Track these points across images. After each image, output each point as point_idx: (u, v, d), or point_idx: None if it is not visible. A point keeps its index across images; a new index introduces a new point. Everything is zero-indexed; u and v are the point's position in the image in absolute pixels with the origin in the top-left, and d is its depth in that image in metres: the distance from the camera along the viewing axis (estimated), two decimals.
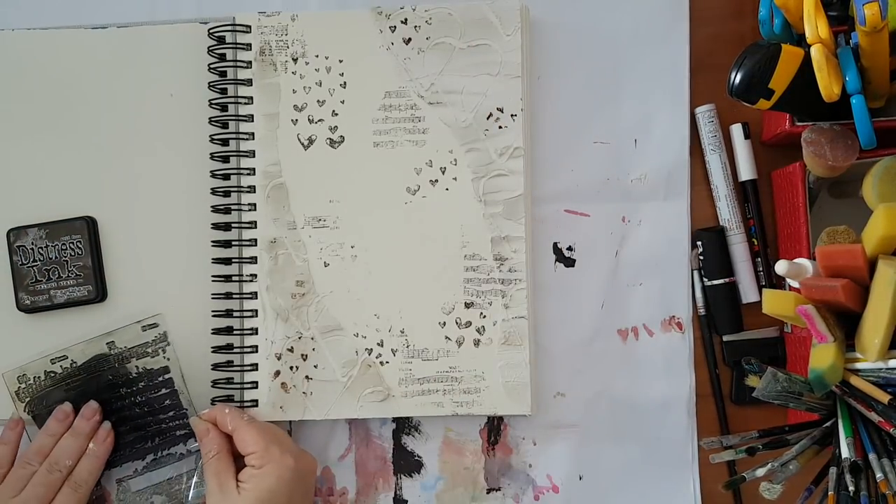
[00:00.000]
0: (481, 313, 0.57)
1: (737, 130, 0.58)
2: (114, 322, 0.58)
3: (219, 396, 0.57)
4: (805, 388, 0.45)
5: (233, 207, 0.58)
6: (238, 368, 0.57)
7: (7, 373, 0.56)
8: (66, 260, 0.58)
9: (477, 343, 0.57)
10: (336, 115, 0.58)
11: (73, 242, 0.58)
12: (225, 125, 0.58)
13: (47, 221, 0.58)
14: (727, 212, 0.58)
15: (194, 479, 0.56)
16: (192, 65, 0.58)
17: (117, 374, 0.57)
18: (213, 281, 0.57)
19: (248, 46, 0.58)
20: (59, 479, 0.53)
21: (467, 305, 0.57)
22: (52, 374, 0.56)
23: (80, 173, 0.59)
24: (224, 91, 0.58)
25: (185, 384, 0.57)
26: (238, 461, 0.53)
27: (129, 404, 0.57)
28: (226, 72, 0.58)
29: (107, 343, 0.57)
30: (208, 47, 0.58)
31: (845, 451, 0.43)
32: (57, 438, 0.54)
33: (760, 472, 0.45)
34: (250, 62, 0.58)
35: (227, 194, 0.58)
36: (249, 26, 0.58)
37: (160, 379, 0.57)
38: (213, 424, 0.54)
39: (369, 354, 0.57)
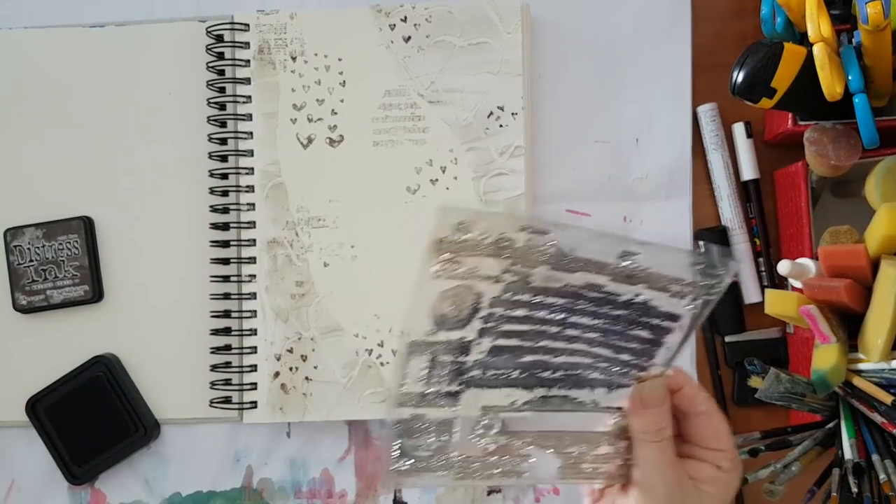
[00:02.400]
0: None
1: (739, 129, 0.57)
2: (110, 322, 0.57)
3: (217, 398, 0.57)
4: (808, 388, 0.45)
5: (231, 207, 0.57)
6: (237, 369, 0.57)
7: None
8: (62, 260, 0.57)
9: None
10: (335, 113, 0.57)
11: (69, 242, 0.57)
12: (223, 124, 0.58)
13: (44, 221, 0.58)
14: (729, 211, 0.57)
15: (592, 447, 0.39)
16: (190, 63, 0.58)
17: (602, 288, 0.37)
18: (212, 281, 0.57)
19: (247, 45, 0.58)
20: None
21: None
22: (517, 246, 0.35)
23: (77, 173, 0.59)
24: (222, 90, 0.58)
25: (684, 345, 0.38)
26: None
27: (570, 323, 0.37)
28: (224, 70, 0.58)
29: (624, 254, 0.36)
30: (207, 45, 0.58)
31: (848, 453, 0.43)
32: None
33: (763, 473, 0.45)
34: (249, 60, 0.58)
35: (225, 194, 0.57)
36: (248, 24, 0.58)
37: (658, 322, 0.37)
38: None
39: (369, 355, 0.57)
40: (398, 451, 0.37)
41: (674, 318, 0.38)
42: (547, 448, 0.38)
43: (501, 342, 0.37)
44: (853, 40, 0.46)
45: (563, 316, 0.37)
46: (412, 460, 0.37)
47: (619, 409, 0.39)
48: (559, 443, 0.39)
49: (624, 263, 0.36)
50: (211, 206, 0.57)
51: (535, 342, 0.38)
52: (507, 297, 0.37)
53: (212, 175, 0.58)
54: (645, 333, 0.38)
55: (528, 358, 0.38)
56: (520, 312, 0.37)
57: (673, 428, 0.38)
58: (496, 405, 0.38)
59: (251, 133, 0.57)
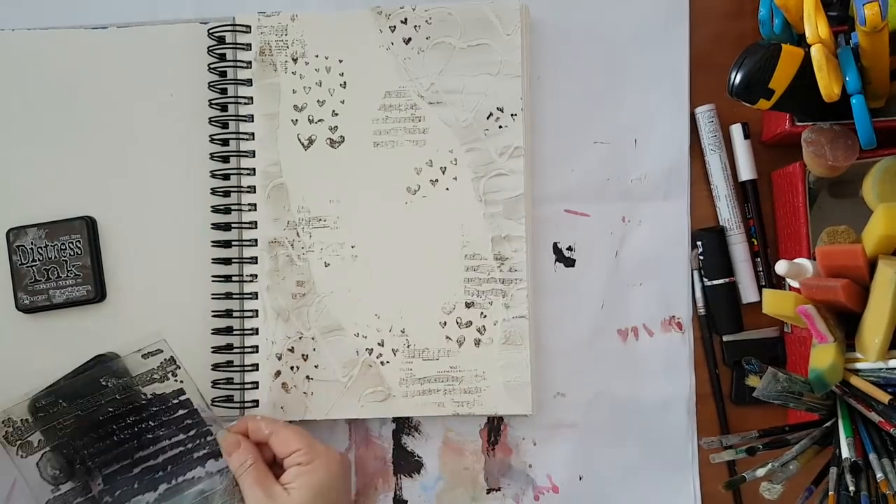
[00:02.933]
0: (482, 313, 0.57)
1: (737, 130, 0.58)
2: (112, 322, 0.58)
3: (219, 397, 0.57)
4: (805, 388, 0.45)
5: (233, 207, 0.58)
6: (238, 369, 0.57)
7: None
8: (65, 260, 0.58)
9: (477, 343, 0.57)
10: (336, 115, 0.58)
11: (72, 242, 0.58)
12: (225, 125, 0.58)
13: (47, 221, 0.58)
14: (727, 212, 0.58)
15: (222, 500, 0.54)
16: (192, 65, 0.58)
17: (122, 403, 0.54)
18: (213, 281, 0.57)
19: (248, 46, 0.58)
20: None
21: (468, 305, 0.57)
22: (41, 415, 0.53)
23: (79, 173, 0.59)
24: (224, 91, 0.58)
25: (205, 401, 0.55)
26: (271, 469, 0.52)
27: (137, 432, 0.54)
28: (226, 72, 0.58)
29: (102, 379, 0.54)
30: (208, 47, 0.58)
31: (845, 451, 0.43)
32: None
33: (760, 472, 0.45)
34: (250, 62, 0.58)
35: (227, 194, 0.58)
36: (249, 26, 0.58)
37: (176, 401, 0.54)
38: (242, 436, 0.53)
39: (370, 354, 0.57)
40: None
41: (180, 392, 0.54)
42: None
43: (108, 470, 0.53)
44: (851, 41, 0.46)
45: (129, 432, 0.54)
46: None
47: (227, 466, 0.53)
48: None
49: (113, 381, 0.53)
50: (212, 207, 0.58)
51: (130, 458, 0.54)
52: (79, 443, 0.53)
53: (213, 176, 0.58)
54: (182, 411, 0.54)
55: (136, 469, 0.54)
56: (98, 446, 0.53)
57: (267, 456, 0.52)
58: None
59: (252, 134, 0.58)
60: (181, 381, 0.55)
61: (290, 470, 0.50)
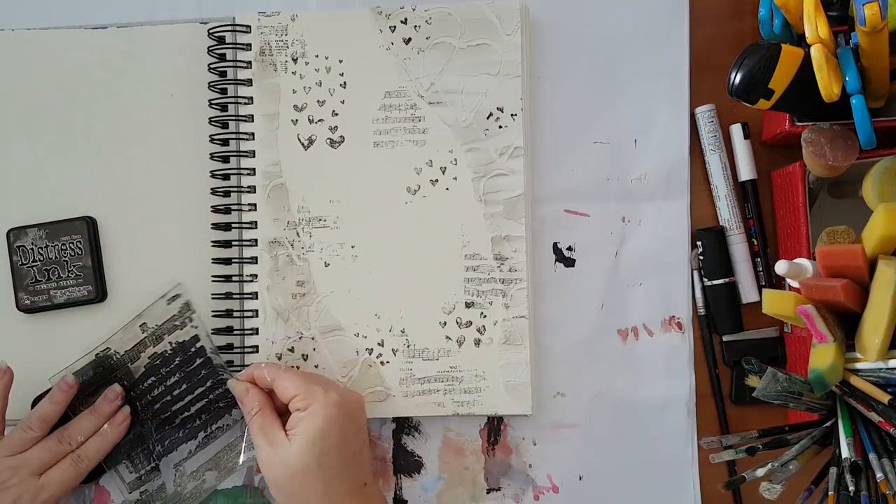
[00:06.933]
0: (482, 313, 0.57)
1: (736, 130, 0.58)
2: (113, 322, 0.58)
3: None
4: (805, 388, 0.45)
5: (233, 207, 0.58)
6: (239, 369, 0.57)
7: (62, 371, 0.56)
8: (65, 260, 0.58)
9: (477, 343, 0.57)
10: (336, 115, 0.58)
11: (72, 242, 0.58)
12: (225, 125, 0.58)
13: (47, 221, 0.58)
14: (727, 212, 0.58)
15: (243, 444, 0.55)
16: (192, 65, 0.58)
17: (156, 356, 0.56)
18: (214, 281, 0.57)
19: (248, 46, 0.58)
20: (65, 451, 0.53)
21: (468, 305, 0.57)
22: (100, 369, 0.56)
23: (79, 173, 0.59)
24: (224, 91, 0.58)
25: (216, 349, 0.56)
26: (283, 417, 0.52)
27: (171, 385, 0.56)
28: (226, 72, 0.58)
29: (139, 326, 0.56)
30: (208, 47, 0.58)
31: (845, 451, 0.44)
32: (61, 407, 0.54)
33: (760, 472, 0.45)
34: (250, 62, 0.58)
35: (227, 194, 0.58)
36: (249, 26, 0.58)
37: (192, 350, 0.56)
38: (251, 383, 0.53)
39: (370, 354, 0.57)
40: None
41: (196, 339, 0.56)
42: (212, 469, 0.57)
43: (157, 421, 0.56)
44: (850, 41, 0.46)
45: (163, 386, 0.56)
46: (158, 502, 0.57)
47: None
48: (217, 459, 0.57)
49: (149, 329, 0.57)
50: (213, 207, 0.58)
51: (170, 410, 0.56)
52: (133, 394, 0.56)
53: (213, 176, 0.58)
54: (198, 360, 0.56)
55: (177, 420, 0.56)
56: (146, 398, 0.56)
57: (279, 402, 0.52)
58: (180, 460, 0.57)
59: (252, 134, 0.58)
60: (195, 327, 0.56)
61: (292, 416, 0.51)
